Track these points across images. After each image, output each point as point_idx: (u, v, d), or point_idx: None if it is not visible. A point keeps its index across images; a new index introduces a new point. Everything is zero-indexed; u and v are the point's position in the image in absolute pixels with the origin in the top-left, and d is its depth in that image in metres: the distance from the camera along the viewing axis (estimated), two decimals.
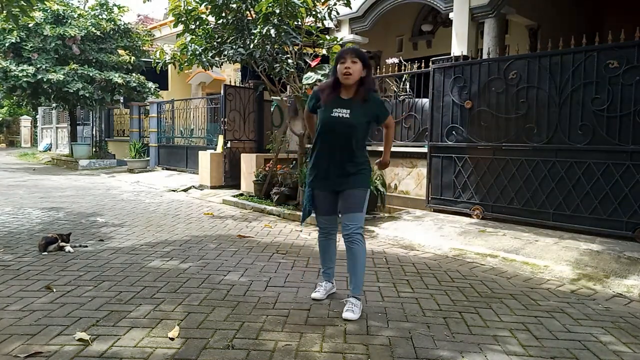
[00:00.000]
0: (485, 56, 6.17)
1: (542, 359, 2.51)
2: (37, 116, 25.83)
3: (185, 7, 6.85)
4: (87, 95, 13.49)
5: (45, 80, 12.82)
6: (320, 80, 5.98)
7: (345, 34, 9.15)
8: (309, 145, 7.58)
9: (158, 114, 13.16)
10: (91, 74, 13.49)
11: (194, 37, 7.03)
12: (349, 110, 3.00)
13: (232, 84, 10.35)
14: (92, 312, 2.96)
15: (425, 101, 6.70)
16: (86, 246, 4.69)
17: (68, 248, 4.48)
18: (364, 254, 3.07)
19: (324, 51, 6.83)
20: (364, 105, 3.04)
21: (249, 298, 3.31)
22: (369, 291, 3.49)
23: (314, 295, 3.31)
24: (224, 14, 6.74)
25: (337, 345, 2.59)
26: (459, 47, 7.17)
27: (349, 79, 2.98)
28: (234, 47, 6.82)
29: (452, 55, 6.49)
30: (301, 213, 6.46)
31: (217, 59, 7.16)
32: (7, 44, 13.08)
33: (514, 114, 5.57)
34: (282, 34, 6.21)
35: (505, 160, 5.64)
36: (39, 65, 13.05)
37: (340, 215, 3.18)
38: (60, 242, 4.48)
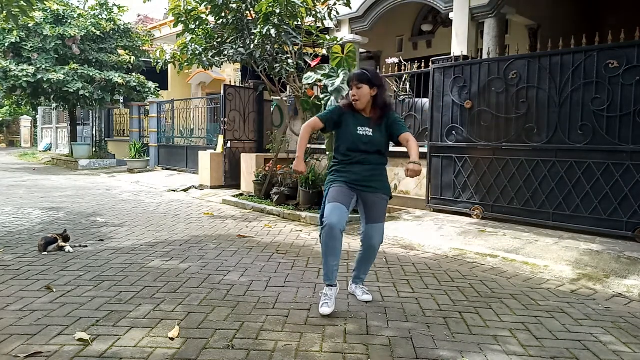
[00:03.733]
0: (485, 56, 6.17)
1: (542, 359, 2.51)
2: (37, 116, 25.83)
3: (185, 7, 6.85)
4: (87, 95, 13.50)
5: (45, 80, 12.82)
6: (320, 80, 5.98)
7: (345, 34, 9.15)
8: (309, 146, 7.61)
9: (158, 114, 13.16)
10: (91, 74, 13.49)
11: (194, 37, 7.03)
12: (371, 130, 3.16)
13: (232, 84, 10.35)
14: (92, 312, 2.96)
15: (425, 101, 6.71)
16: (86, 246, 4.69)
17: (68, 248, 4.48)
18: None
19: (324, 51, 6.83)
20: (382, 123, 3.18)
21: (249, 298, 3.30)
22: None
23: (323, 310, 3.02)
24: (224, 14, 6.74)
25: (337, 345, 2.59)
26: (459, 47, 7.17)
27: (357, 104, 3.16)
28: (234, 47, 6.82)
29: (452, 55, 6.49)
30: (301, 213, 6.47)
31: (217, 59, 7.16)
32: (7, 44, 13.08)
33: (514, 114, 5.57)
34: (282, 34, 6.21)
35: (505, 160, 5.63)
36: (39, 65, 13.05)
37: (363, 223, 3.21)
38: (60, 242, 4.48)
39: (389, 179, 3.39)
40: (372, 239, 3.16)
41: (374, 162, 3.18)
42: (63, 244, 4.49)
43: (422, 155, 6.59)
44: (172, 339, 2.61)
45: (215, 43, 7.05)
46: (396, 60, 7.54)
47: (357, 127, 3.15)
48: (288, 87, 7.47)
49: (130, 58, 14.55)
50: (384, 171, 3.28)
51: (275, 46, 6.57)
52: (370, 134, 3.14)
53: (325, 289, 3.15)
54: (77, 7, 14.99)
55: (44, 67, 13.08)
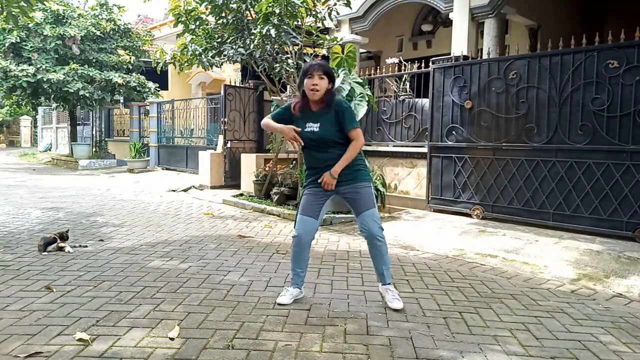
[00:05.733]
0: (485, 56, 6.17)
1: (542, 359, 2.51)
2: (37, 116, 25.83)
3: (185, 7, 6.85)
4: (87, 95, 13.50)
5: (45, 80, 12.83)
6: None
7: (345, 34, 9.15)
8: None
9: (158, 114, 13.17)
10: (91, 74, 13.50)
11: (194, 37, 7.03)
12: (318, 124, 3.06)
13: (232, 84, 10.35)
14: (92, 312, 2.96)
15: (425, 101, 6.71)
16: (86, 246, 4.69)
17: (68, 248, 4.48)
18: (387, 248, 3.22)
19: (324, 51, 6.82)
20: (330, 113, 3.06)
21: (249, 298, 3.30)
22: (369, 291, 3.49)
23: (279, 300, 3.19)
24: (224, 14, 6.74)
25: (337, 345, 2.59)
26: (459, 47, 7.17)
27: (315, 95, 3.03)
28: (234, 47, 6.81)
29: (452, 55, 6.49)
30: None
31: (217, 59, 7.16)
32: (7, 44, 13.08)
33: (514, 114, 5.57)
34: (282, 34, 6.21)
35: (505, 160, 5.64)
36: (39, 65, 13.06)
37: (356, 217, 3.18)
38: (59, 242, 4.47)
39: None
40: (368, 227, 3.10)
41: (337, 157, 3.04)
42: (62, 244, 4.49)
43: (422, 155, 6.62)
44: (172, 339, 2.61)
45: (215, 43, 7.04)
46: (396, 60, 7.55)
47: (305, 125, 3.07)
48: (288, 87, 7.47)
49: (130, 58, 14.55)
50: (356, 160, 3.11)
51: (275, 46, 6.56)
52: (317, 129, 3.03)
53: (291, 285, 3.27)
54: (77, 7, 14.98)
55: (44, 67, 13.08)
